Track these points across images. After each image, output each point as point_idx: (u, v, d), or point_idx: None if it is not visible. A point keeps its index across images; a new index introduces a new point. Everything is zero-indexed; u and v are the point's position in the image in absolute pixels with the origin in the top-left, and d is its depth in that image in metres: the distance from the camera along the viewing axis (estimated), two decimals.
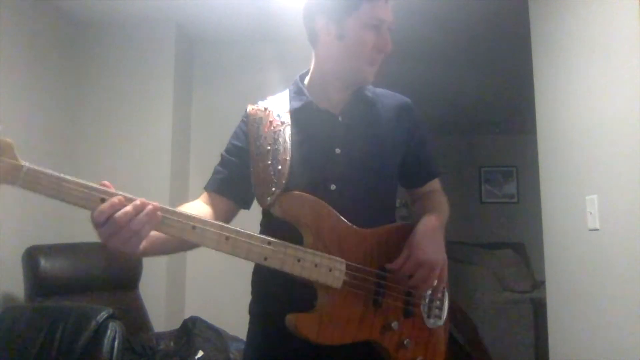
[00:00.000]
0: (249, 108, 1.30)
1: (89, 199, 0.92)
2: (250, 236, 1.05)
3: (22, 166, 0.88)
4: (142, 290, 2.96)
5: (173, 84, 3.36)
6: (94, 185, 0.93)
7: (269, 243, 1.06)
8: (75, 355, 2.09)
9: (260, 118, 1.26)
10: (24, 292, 2.60)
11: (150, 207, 0.96)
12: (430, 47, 3.79)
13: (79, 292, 2.67)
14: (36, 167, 0.89)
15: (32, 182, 0.88)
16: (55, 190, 0.90)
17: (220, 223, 1.05)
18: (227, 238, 1.03)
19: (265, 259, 1.06)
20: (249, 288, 1.31)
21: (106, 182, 0.95)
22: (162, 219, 0.98)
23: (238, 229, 1.06)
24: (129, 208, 0.93)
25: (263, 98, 1.34)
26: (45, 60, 3.06)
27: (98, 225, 0.93)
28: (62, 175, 0.90)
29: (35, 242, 2.67)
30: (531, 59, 2.58)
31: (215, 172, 1.31)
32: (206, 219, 1.04)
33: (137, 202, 0.95)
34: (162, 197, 3.20)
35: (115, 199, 0.93)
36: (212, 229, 1.02)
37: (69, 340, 2.12)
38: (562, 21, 2.31)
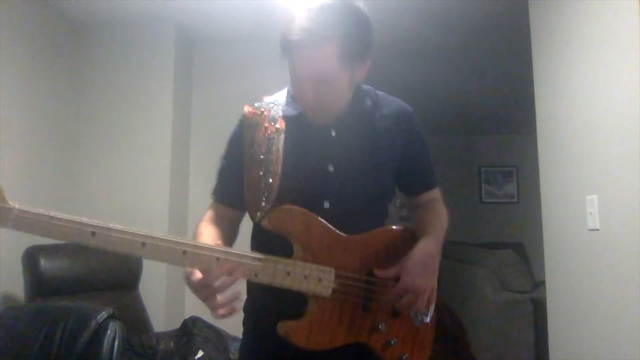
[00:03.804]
0: (246, 109, 1.30)
1: (80, 234, 0.94)
2: (239, 255, 1.08)
3: (12, 209, 0.89)
4: (142, 290, 2.96)
5: (173, 84, 3.36)
6: (84, 220, 0.95)
7: (259, 260, 1.09)
8: (75, 355, 2.09)
9: (256, 122, 1.25)
10: (24, 292, 2.60)
11: (238, 273, 1.06)
12: (430, 47, 3.79)
13: (79, 292, 2.66)
14: (26, 209, 0.91)
15: (22, 223, 0.90)
16: (46, 229, 0.92)
17: (209, 245, 1.08)
18: (217, 259, 1.05)
19: (256, 275, 1.09)
20: None
21: (219, 243, 1.08)
22: (156, 247, 1.01)
23: (227, 249, 1.08)
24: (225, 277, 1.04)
25: (259, 99, 1.33)
26: (45, 61, 3.06)
27: (205, 287, 1.04)
28: (52, 214, 0.92)
29: (35, 242, 2.67)
30: (531, 59, 2.58)
31: (216, 180, 1.34)
32: (196, 242, 1.06)
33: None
34: (162, 197, 3.20)
35: (229, 264, 1.05)
36: (201, 252, 1.04)
37: (69, 340, 2.12)
38: (562, 21, 2.31)
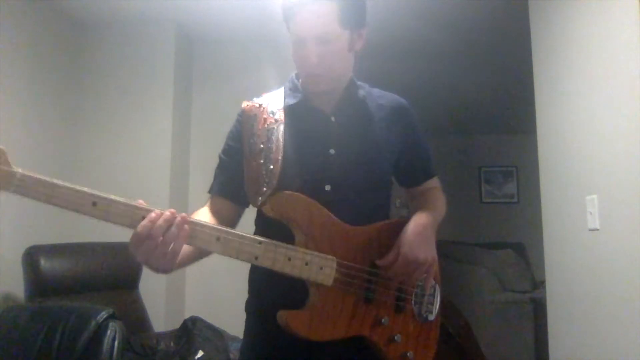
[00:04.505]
0: (244, 104, 1.31)
1: (81, 202, 0.94)
2: (240, 236, 1.06)
3: (16, 172, 0.90)
4: (142, 290, 2.96)
5: (173, 83, 3.36)
6: (86, 189, 0.94)
7: (260, 242, 1.07)
8: (75, 355, 2.09)
9: (255, 115, 1.26)
10: (24, 292, 2.60)
11: (178, 219, 0.98)
12: (430, 47, 3.79)
13: (79, 292, 2.66)
14: (29, 173, 0.91)
15: (25, 187, 0.90)
16: (48, 195, 0.92)
17: (211, 224, 1.07)
18: (217, 238, 1.04)
19: (256, 258, 1.07)
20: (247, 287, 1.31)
21: (141, 201, 0.99)
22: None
23: (228, 229, 1.07)
24: (161, 222, 0.96)
25: (259, 95, 1.34)
26: (45, 61, 3.06)
27: (139, 243, 0.96)
28: (54, 180, 0.92)
29: (35, 242, 2.67)
30: (531, 59, 2.58)
31: (215, 176, 1.33)
32: (197, 220, 1.05)
33: (167, 214, 0.98)
34: (162, 196, 3.20)
35: (153, 214, 0.97)
36: (203, 230, 1.03)
37: (69, 340, 2.12)
38: (562, 21, 2.31)
